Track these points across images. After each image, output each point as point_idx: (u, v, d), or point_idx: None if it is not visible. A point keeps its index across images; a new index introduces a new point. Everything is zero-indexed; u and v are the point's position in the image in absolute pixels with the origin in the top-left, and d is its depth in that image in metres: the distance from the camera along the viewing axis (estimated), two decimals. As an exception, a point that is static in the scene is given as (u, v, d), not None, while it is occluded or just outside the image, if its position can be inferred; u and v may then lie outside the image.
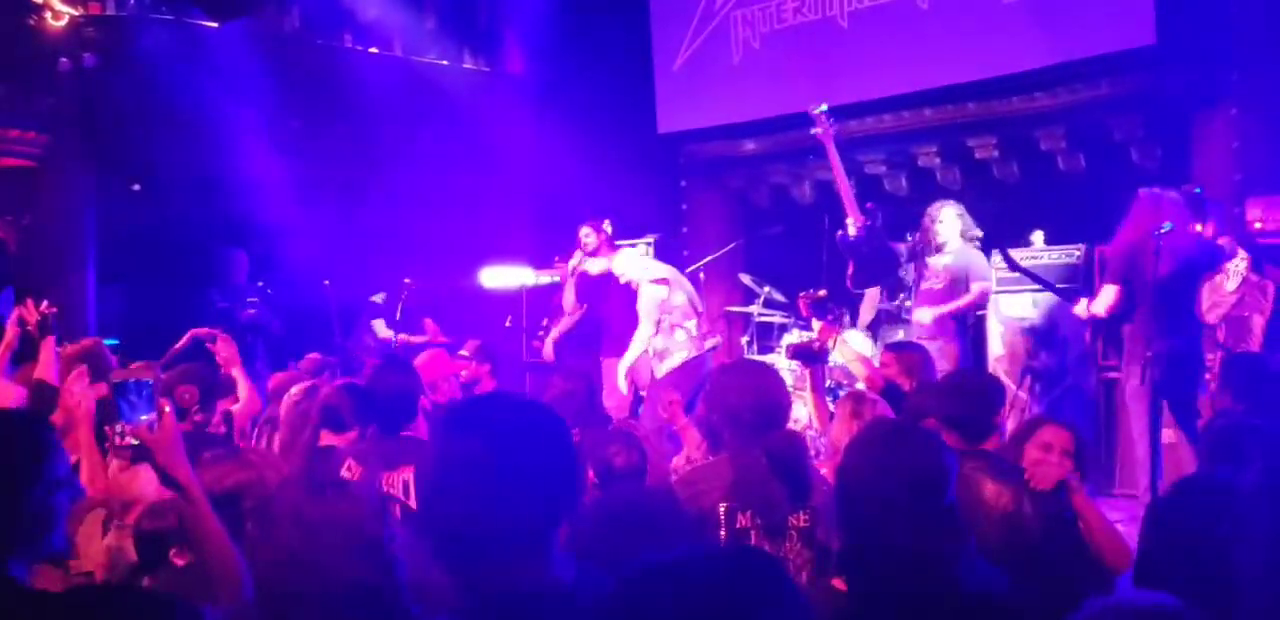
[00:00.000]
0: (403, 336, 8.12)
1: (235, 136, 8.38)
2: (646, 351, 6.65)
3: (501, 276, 8.90)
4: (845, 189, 6.59)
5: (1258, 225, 6.10)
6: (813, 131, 6.71)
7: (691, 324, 6.81)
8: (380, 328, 8.71)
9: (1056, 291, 6.09)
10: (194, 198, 8.93)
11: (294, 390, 4.69)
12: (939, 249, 6.43)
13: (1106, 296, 5.43)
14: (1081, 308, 5.79)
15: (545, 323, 8.12)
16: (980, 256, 6.54)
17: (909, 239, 6.87)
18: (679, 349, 6.72)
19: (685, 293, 6.91)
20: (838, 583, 2.55)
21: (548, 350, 7.84)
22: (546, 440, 1.68)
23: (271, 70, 8.55)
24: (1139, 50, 6.88)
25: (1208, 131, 7.09)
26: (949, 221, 6.45)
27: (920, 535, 2.05)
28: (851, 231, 6.55)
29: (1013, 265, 6.17)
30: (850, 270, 6.69)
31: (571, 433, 1.77)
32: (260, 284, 8.57)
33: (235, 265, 8.43)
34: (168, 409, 2.12)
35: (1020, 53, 7.43)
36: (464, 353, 6.32)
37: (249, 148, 8.41)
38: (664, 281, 6.84)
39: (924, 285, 6.46)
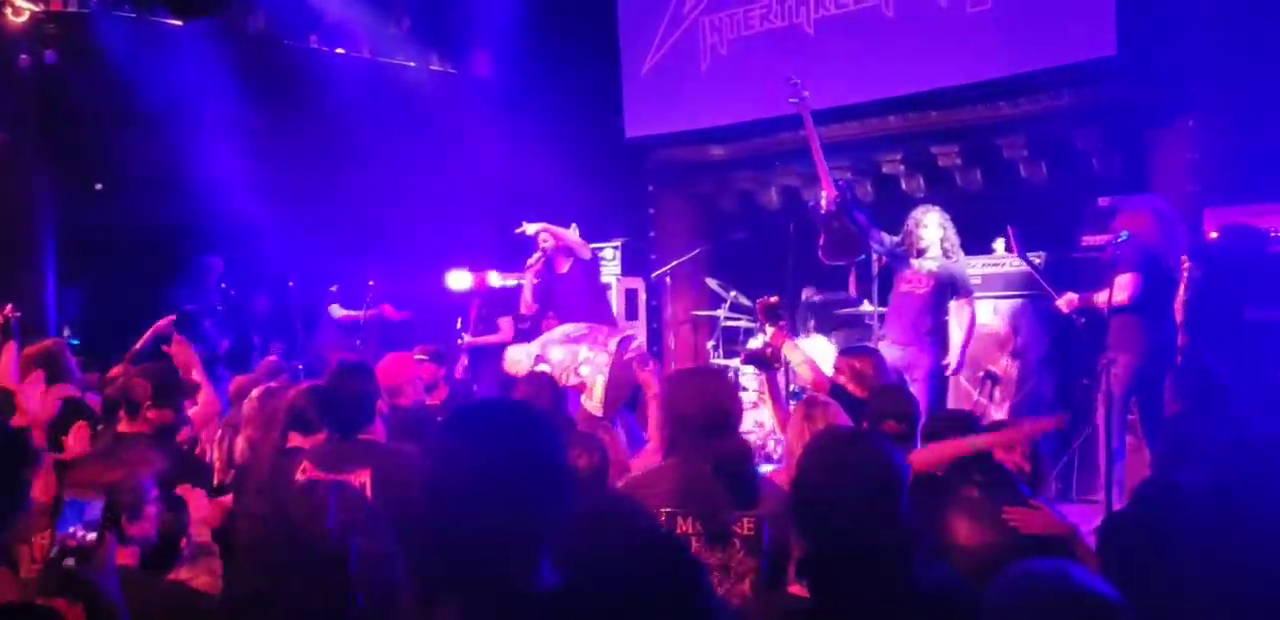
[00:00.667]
0: (371, 311, 8.21)
1: (199, 136, 8.32)
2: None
3: (466, 279, 8.87)
4: (821, 162, 6.59)
5: (1214, 235, 6.18)
6: (790, 100, 6.72)
7: (583, 354, 6.72)
8: (337, 310, 8.73)
9: (1046, 285, 6.15)
10: (157, 197, 8.85)
11: (254, 393, 4.67)
12: (921, 253, 6.46)
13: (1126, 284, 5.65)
14: (1063, 302, 5.91)
15: (459, 325, 8.18)
16: (964, 267, 6.61)
17: (876, 248, 6.91)
18: (595, 375, 6.69)
19: (556, 345, 6.78)
20: (796, 589, 2.57)
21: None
22: (546, 448, 1.67)
23: (236, 70, 8.50)
24: (1100, 62, 6.97)
25: (1166, 142, 7.18)
26: (933, 227, 6.48)
27: (875, 537, 2.07)
28: (824, 204, 6.56)
29: (1020, 252, 6.25)
30: (821, 242, 6.68)
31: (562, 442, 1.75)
32: (223, 286, 8.51)
33: (209, 271, 8.37)
34: (108, 536, 2.07)
35: (983, 62, 7.51)
36: (419, 356, 6.30)
37: (213, 147, 8.35)
38: (539, 360, 6.80)
39: (904, 288, 6.47)
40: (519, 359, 6.74)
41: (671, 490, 2.95)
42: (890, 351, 6.21)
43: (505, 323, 8.33)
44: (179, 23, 7.27)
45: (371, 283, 8.72)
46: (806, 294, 7.90)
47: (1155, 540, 2.02)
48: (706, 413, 3.04)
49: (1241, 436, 1.80)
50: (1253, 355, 5.85)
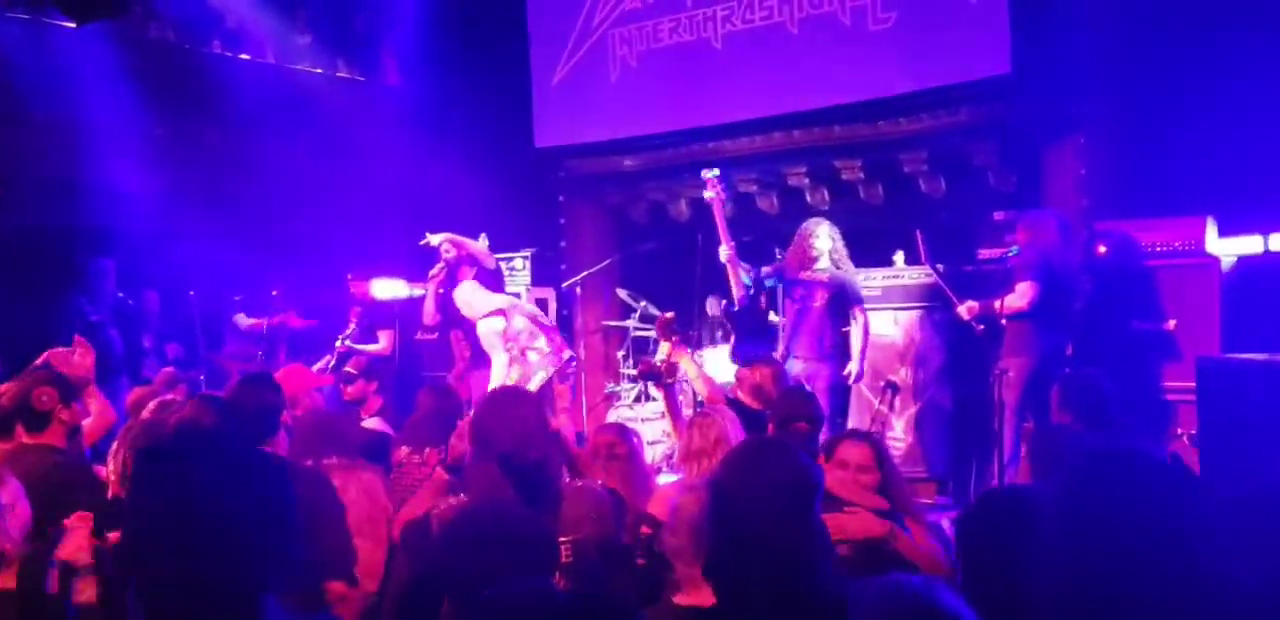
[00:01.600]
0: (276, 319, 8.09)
1: (97, 142, 8.12)
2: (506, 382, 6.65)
3: (391, 288, 8.80)
4: (732, 256, 6.63)
5: (1103, 249, 6.41)
6: (705, 194, 6.83)
7: (541, 343, 6.93)
8: (243, 319, 8.59)
9: (950, 292, 6.30)
10: (54, 205, 8.62)
11: (150, 405, 4.60)
12: (811, 264, 6.58)
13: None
14: (964, 309, 6.08)
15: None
16: (856, 278, 6.75)
17: (779, 255, 7.04)
18: (537, 370, 6.80)
19: (523, 315, 7.00)
20: (681, 599, 2.62)
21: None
22: (259, 489, 1.54)
23: (135, 74, 8.32)
24: (996, 80, 7.18)
25: (1058, 158, 7.42)
26: (824, 237, 6.63)
27: (788, 544, 2.11)
28: (723, 255, 6.64)
29: (928, 259, 6.43)
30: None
31: (286, 479, 1.62)
32: (121, 295, 8.31)
33: (103, 276, 8.15)
34: None
35: (885, 79, 7.68)
36: (350, 370, 6.24)
37: (112, 154, 8.16)
38: (499, 313, 6.91)
39: (799, 304, 6.60)
40: (471, 301, 6.80)
41: None
42: (794, 365, 6.35)
43: (385, 335, 8.29)
44: (73, 25, 7.07)
45: (275, 292, 8.62)
46: (710, 305, 8.00)
47: (998, 542, 2.08)
48: (514, 440, 2.97)
49: (1092, 447, 1.86)
50: (1138, 365, 6.09)
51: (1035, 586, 1.73)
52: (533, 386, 6.71)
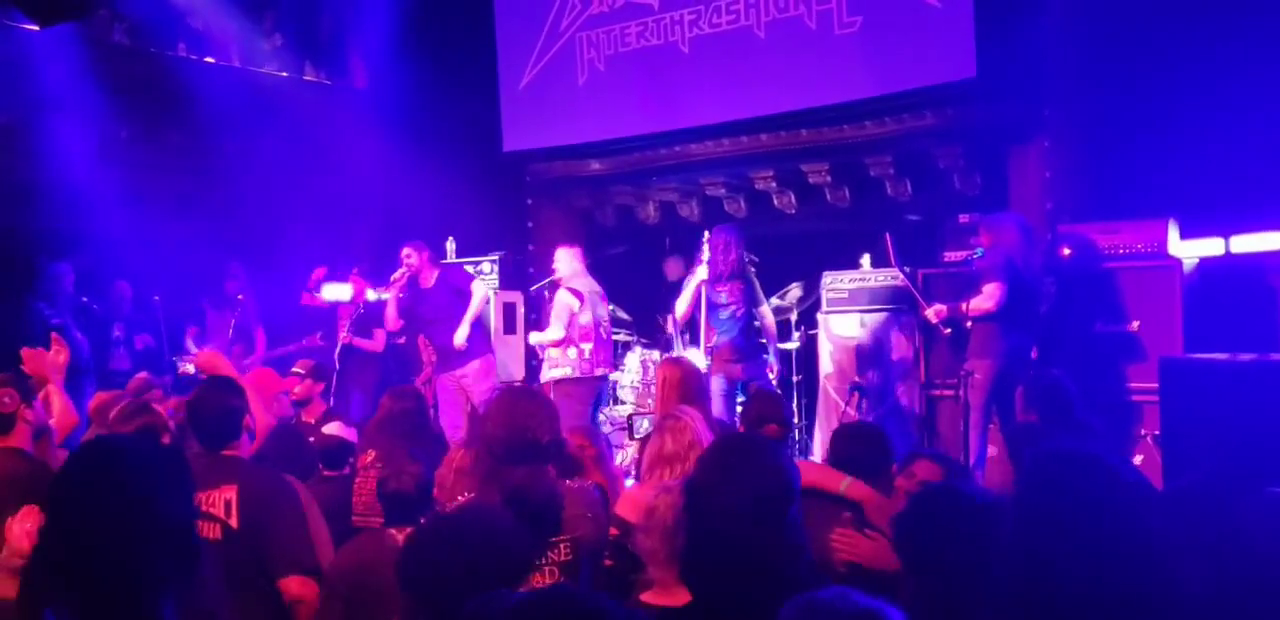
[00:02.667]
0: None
1: (59, 144, 8.03)
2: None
3: (340, 291, 8.76)
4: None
5: (1067, 251, 6.46)
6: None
7: (587, 347, 7.14)
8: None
9: (918, 294, 6.35)
10: (15, 207, 8.52)
11: (114, 411, 4.53)
12: (731, 273, 6.82)
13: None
14: (931, 312, 6.11)
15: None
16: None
17: (751, 259, 7.06)
18: (563, 366, 6.94)
19: (594, 315, 7.22)
20: (648, 597, 2.61)
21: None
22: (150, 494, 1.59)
23: (99, 77, 8.24)
24: (961, 84, 7.23)
25: (1023, 162, 7.48)
26: (736, 246, 6.89)
27: (764, 543, 2.11)
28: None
29: (896, 261, 6.52)
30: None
31: (187, 489, 1.66)
32: (85, 300, 8.22)
33: (60, 279, 8.05)
34: None
35: (850, 82, 7.72)
36: (298, 370, 6.20)
37: (74, 156, 8.07)
38: (579, 295, 7.19)
39: (725, 313, 6.88)
40: (566, 267, 7.40)
41: None
42: (731, 368, 6.60)
43: (379, 333, 8.28)
44: (36, 28, 7.00)
45: (240, 296, 8.56)
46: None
47: (932, 540, 2.08)
48: (510, 438, 2.94)
49: (1043, 450, 1.86)
50: (1102, 367, 6.15)
51: (993, 585, 1.74)
52: (547, 374, 7.04)
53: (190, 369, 7.14)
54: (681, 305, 7.06)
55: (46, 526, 1.59)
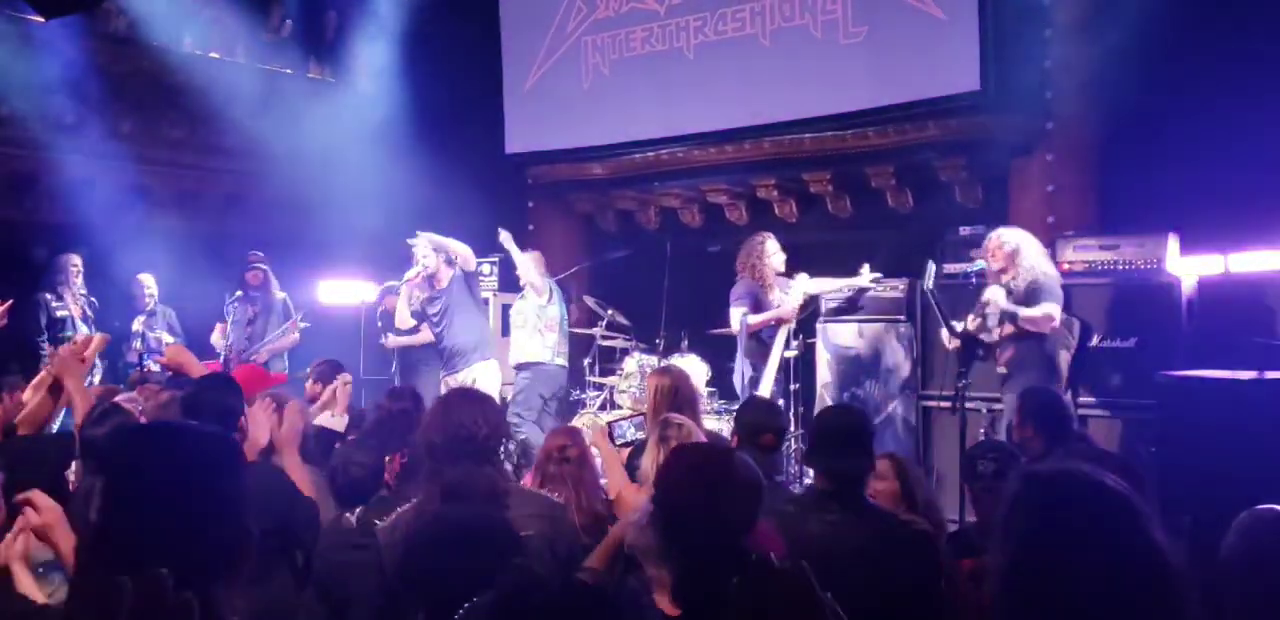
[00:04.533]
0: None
1: (63, 137, 8.02)
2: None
3: (340, 291, 8.75)
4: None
5: (1067, 266, 6.45)
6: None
7: (552, 337, 7.65)
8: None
9: (944, 316, 6.12)
10: (17, 200, 8.51)
11: (83, 416, 4.49)
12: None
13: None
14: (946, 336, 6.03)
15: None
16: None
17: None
18: (533, 353, 7.55)
19: (560, 311, 7.74)
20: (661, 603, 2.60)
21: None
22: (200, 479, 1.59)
23: (103, 70, 8.24)
24: (964, 96, 7.26)
25: (1025, 175, 7.50)
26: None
27: (733, 551, 2.08)
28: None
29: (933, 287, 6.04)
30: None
31: (231, 475, 1.65)
32: (84, 293, 8.19)
33: (67, 270, 8.03)
34: None
35: (854, 92, 7.74)
36: (309, 370, 6.18)
37: (78, 149, 8.06)
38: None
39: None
40: (530, 273, 7.80)
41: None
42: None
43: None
44: (41, 20, 6.98)
45: (239, 292, 8.52)
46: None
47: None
48: (450, 437, 2.95)
49: (1030, 470, 1.86)
50: (1099, 382, 6.15)
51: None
52: (513, 356, 7.57)
53: (155, 366, 7.07)
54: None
55: (104, 510, 1.57)
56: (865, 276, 6.98)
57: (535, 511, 3.01)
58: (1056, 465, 1.91)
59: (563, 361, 7.82)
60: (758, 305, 6.79)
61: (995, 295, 5.85)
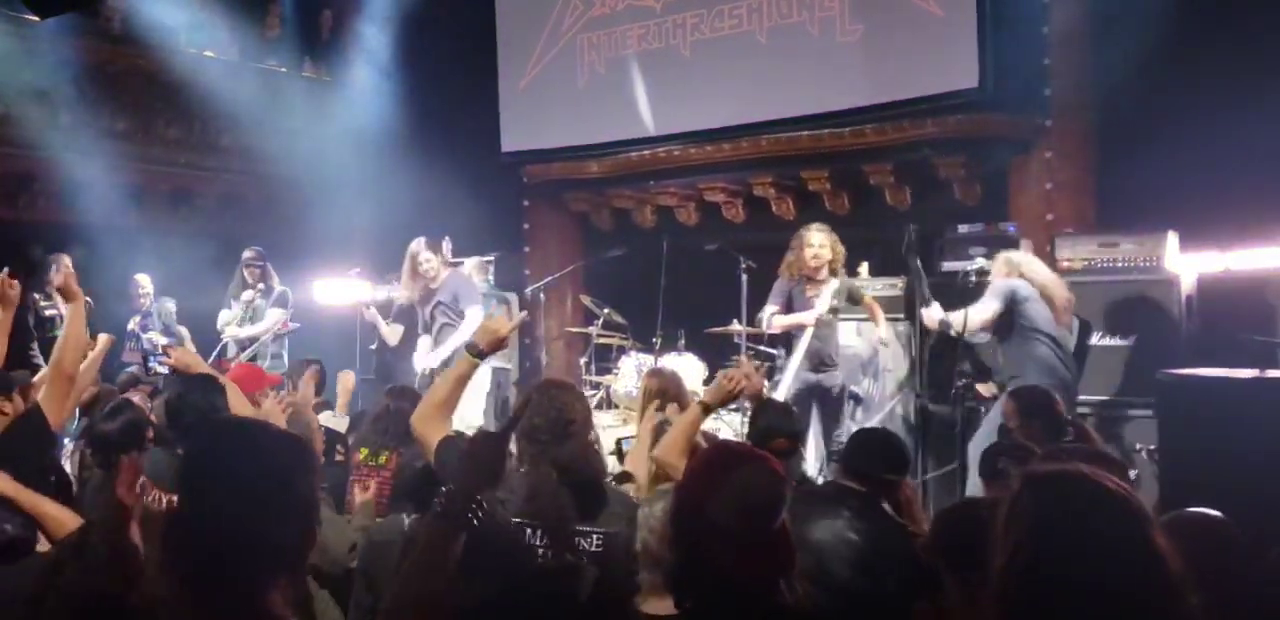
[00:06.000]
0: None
1: (58, 136, 8.00)
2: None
3: (336, 291, 8.71)
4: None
5: (1066, 263, 6.43)
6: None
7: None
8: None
9: (922, 289, 5.97)
10: (11, 199, 8.49)
11: (100, 409, 4.51)
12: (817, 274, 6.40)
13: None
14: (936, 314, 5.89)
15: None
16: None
17: (749, 266, 6.98)
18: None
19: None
20: (650, 608, 2.57)
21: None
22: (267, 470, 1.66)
23: (98, 70, 8.22)
24: (963, 93, 7.22)
25: (1023, 173, 7.48)
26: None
27: (746, 557, 2.05)
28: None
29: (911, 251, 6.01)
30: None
31: (307, 474, 1.71)
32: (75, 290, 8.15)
33: (57, 269, 7.99)
34: None
35: (851, 90, 7.71)
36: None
37: (72, 148, 8.03)
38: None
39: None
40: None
41: (520, 499, 2.92)
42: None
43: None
44: (37, 19, 6.96)
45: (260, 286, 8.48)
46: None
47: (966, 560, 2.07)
48: (550, 421, 3.03)
49: (1031, 470, 1.88)
50: (1097, 380, 6.12)
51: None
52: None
53: (162, 370, 7.04)
54: None
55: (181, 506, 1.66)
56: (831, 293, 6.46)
57: (621, 511, 3.02)
58: (1056, 466, 1.89)
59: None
60: (789, 305, 6.45)
61: (931, 314, 5.80)
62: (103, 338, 4.81)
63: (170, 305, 8.22)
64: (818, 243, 6.34)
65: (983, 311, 5.63)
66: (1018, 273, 5.75)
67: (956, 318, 5.59)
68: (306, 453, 1.76)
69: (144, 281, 8.25)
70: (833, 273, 6.41)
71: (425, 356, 6.93)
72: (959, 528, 2.52)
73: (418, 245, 6.97)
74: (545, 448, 3.00)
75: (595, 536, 2.91)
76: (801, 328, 6.38)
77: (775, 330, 6.61)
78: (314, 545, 1.71)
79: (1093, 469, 1.80)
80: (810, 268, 6.33)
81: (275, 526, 1.61)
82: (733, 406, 5.72)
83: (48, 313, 7.73)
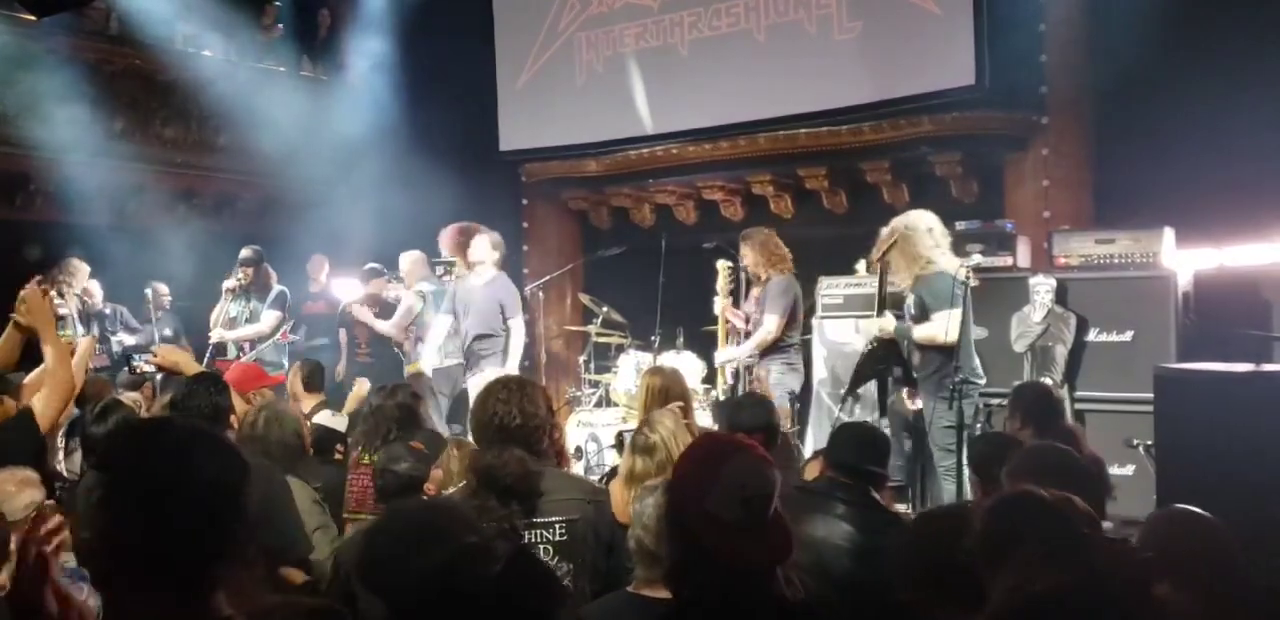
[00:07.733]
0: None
1: (55, 135, 7.99)
2: None
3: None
4: None
5: (1062, 260, 6.44)
6: None
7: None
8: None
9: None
10: (8, 198, 8.48)
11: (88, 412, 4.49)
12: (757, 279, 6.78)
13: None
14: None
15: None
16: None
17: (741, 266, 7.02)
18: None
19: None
20: (648, 590, 2.60)
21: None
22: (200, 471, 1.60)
23: (95, 69, 8.22)
24: (959, 91, 7.24)
25: (1020, 170, 7.50)
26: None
27: (743, 546, 2.07)
28: None
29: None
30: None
31: (240, 466, 1.66)
32: (77, 293, 8.16)
33: (78, 273, 8.00)
34: None
35: (849, 88, 7.72)
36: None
37: (69, 148, 8.03)
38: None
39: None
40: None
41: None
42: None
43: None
44: (34, 19, 6.96)
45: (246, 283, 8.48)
46: None
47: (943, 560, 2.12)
48: (482, 423, 3.07)
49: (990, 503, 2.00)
50: (1094, 376, 6.13)
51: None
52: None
53: (148, 367, 7.03)
54: None
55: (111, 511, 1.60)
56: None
57: (578, 496, 3.05)
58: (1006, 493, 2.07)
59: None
60: (794, 310, 6.70)
61: (882, 326, 5.67)
62: (84, 341, 4.80)
63: (122, 310, 8.26)
64: (742, 252, 6.77)
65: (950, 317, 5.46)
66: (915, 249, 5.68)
67: (938, 326, 5.47)
68: (224, 448, 1.70)
69: (162, 289, 8.28)
70: (779, 271, 6.69)
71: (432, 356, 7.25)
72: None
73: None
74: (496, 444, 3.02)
75: (558, 525, 2.95)
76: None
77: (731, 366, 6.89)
78: (253, 548, 1.64)
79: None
80: (751, 274, 6.81)
81: (210, 532, 1.56)
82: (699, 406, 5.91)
83: (60, 311, 7.73)
